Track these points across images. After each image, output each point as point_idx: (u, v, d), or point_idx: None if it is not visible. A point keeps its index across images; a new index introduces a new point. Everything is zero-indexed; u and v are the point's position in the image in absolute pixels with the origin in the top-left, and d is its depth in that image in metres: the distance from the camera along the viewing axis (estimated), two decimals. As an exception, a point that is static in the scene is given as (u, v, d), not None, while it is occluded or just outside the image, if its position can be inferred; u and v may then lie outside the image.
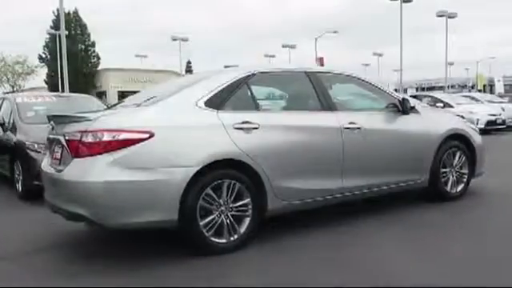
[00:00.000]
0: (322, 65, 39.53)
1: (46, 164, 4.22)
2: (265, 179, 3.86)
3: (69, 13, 41.04)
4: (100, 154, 3.38)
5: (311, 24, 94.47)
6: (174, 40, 41.84)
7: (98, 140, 3.40)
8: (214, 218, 3.67)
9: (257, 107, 4.09)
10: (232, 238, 3.75)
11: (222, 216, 3.71)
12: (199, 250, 3.65)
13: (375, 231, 4.19)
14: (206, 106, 3.79)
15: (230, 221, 3.74)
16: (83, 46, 47.92)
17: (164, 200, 3.46)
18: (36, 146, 6.11)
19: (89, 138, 3.42)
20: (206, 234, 3.63)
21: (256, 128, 3.87)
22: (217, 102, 3.85)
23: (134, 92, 5.54)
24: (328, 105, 4.39)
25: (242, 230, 3.80)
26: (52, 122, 3.96)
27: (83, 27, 48.42)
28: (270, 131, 3.94)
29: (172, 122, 3.62)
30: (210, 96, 3.84)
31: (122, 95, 32.47)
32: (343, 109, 4.52)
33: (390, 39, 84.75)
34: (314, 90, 4.38)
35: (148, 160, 3.44)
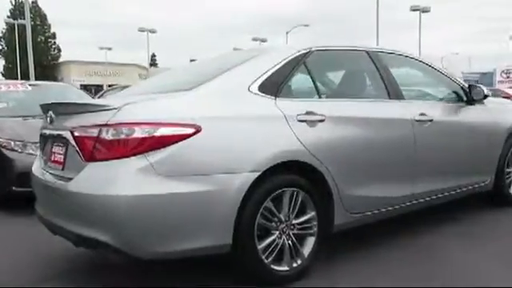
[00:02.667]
0: (294, 59, 39.17)
1: (37, 168, 3.22)
2: (332, 186, 3.00)
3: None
4: (127, 156, 2.42)
5: (282, 18, 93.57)
6: (142, 31, 40.13)
7: (125, 137, 2.44)
8: (274, 240, 2.79)
9: (318, 94, 3.20)
10: (295, 264, 2.87)
11: (283, 236, 2.83)
12: (254, 281, 2.76)
13: (456, 244, 3.41)
14: (260, 91, 2.88)
15: (291, 242, 2.87)
16: (43, 38, 45.76)
17: (215, 218, 2.54)
18: (13, 144, 5.02)
19: (111, 135, 2.46)
20: (266, 260, 2.75)
21: (321, 121, 3.00)
22: (272, 86, 2.94)
23: (98, 86, 4.60)
24: (395, 92, 3.55)
25: (306, 252, 2.93)
26: (50, 113, 2.95)
27: (43, 17, 46.19)
28: (337, 124, 3.07)
29: (222, 113, 2.69)
30: (263, 79, 2.92)
31: (85, 89, 30.99)
32: (409, 97, 3.69)
33: (364, 34, 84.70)
34: (378, 73, 3.54)
35: (194, 164, 2.51)
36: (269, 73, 2.96)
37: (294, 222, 2.87)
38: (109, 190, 2.40)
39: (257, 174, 2.64)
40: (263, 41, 40.38)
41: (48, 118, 2.94)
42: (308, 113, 2.95)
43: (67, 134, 2.70)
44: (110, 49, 48.10)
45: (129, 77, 41.92)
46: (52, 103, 2.98)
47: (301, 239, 2.91)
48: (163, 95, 2.81)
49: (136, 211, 2.38)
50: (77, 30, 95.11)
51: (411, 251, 3.36)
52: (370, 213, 3.28)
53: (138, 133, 2.43)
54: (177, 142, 2.47)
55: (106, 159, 2.47)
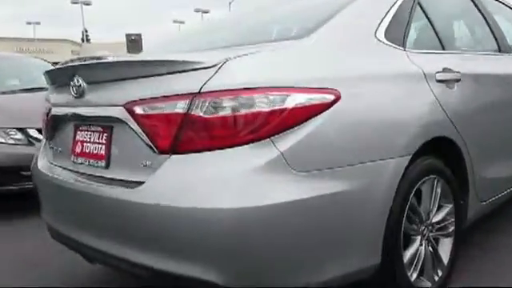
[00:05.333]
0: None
1: (45, 163, 2.22)
2: (469, 168, 2.24)
3: None
4: (241, 143, 1.51)
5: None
6: (75, 3, 37.18)
7: (238, 113, 1.52)
8: (417, 248, 2.00)
9: (442, 45, 2.38)
10: (436, 277, 2.10)
11: (423, 242, 2.05)
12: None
13: None
14: (387, 40, 2.02)
15: (431, 247, 2.09)
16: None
17: (361, 228, 1.69)
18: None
19: (212, 110, 1.52)
20: (410, 277, 1.95)
21: (457, 80, 2.20)
22: (398, 33, 2.07)
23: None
24: (504, 45, 2.82)
25: (446, 260, 2.17)
26: (78, 81, 1.88)
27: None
28: (474, 85, 2.29)
29: (357, 70, 1.79)
30: (387, 23, 2.05)
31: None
32: (512, 50, 2.97)
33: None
34: (485, 22, 2.78)
35: (334, 151, 1.62)
36: (390, 14, 2.09)
37: (433, 220, 2.09)
38: (218, 201, 1.48)
39: (408, 159, 1.81)
40: (205, 12, 38.88)
41: (73, 89, 1.91)
42: (445, 70, 2.14)
43: (118, 112, 1.72)
44: (38, 23, 44.57)
45: (62, 53, 38.98)
46: (82, 64, 1.94)
47: (438, 243, 2.15)
48: (256, 47, 1.84)
49: (268, 229, 1.49)
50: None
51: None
52: (493, 199, 2.55)
53: (261, 104, 1.52)
54: (313, 116, 1.58)
55: (203, 149, 1.54)
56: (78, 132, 2.01)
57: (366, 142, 1.70)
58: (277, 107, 1.52)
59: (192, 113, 1.54)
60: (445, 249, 2.17)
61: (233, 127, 1.51)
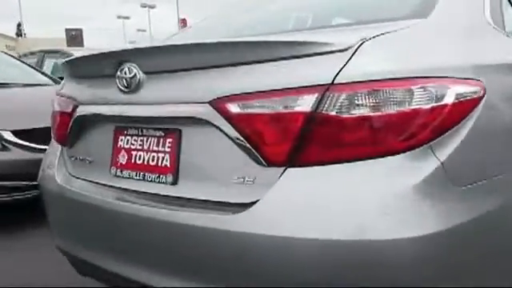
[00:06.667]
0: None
1: (64, 177, 1.74)
2: None
3: None
4: (395, 151, 1.12)
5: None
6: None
7: (387, 112, 1.13)
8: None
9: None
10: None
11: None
12: None
13: None
14: (493, 22, 1.69)
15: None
16: None
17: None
18: None
19: (356, 106, 1.13)
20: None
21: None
22: (497, 15, 1.77)
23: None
24: None
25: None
26: (130, 70, 1.41)
27: None
28: None
29: (491, 57, 1.45)
30: (488, 2, 1.74)
31: None
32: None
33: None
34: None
35: (490, 156, 1.27)
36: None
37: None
38: (372, 231, 1.08)
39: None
40: (151, 7, 37.78)
41: (120, 82, 1.45)
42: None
43: (199, 111, 1.29)
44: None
45: (-4, 48, 36.60)
46: (140, 48, 1.47)
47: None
48: (368, 27, 1.44)
49: (441, 263, 1.12)
50: None
51: None
52: None
53: (420, 100, 1.14)
54: (467, 114, 1.22)
55: (335, 161, 1.14)
56: (121, 137, 1.55)
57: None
58: (438, 103, 1.15)
59: (322, 111, 1.14)
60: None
61: (380, 131, 1.13)
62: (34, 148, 3.31)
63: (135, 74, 1.42)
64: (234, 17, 2.35)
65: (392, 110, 1.13)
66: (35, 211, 3.50)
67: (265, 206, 1.17)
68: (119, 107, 1.52)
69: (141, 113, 1.46)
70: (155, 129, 1.45)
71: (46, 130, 3.35)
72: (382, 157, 1.13)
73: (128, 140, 1.53)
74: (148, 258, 1.43)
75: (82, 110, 1.66)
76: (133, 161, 1.50)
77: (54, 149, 1.89)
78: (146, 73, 1.41)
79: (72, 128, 1.72)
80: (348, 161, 1.14)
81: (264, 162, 1.20)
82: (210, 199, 1.29)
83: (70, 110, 1.72)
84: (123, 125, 1.55)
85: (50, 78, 4.71)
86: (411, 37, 1.29)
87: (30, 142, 3.32)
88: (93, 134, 1.67)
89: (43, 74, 4.82)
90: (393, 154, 1.13)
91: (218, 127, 1.26)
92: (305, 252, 1.12)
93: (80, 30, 43.79)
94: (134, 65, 1.42)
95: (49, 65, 6.90)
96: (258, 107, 1.21)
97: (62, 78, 5.14)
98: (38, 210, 3.44)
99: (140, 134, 1.50)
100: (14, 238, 3.12)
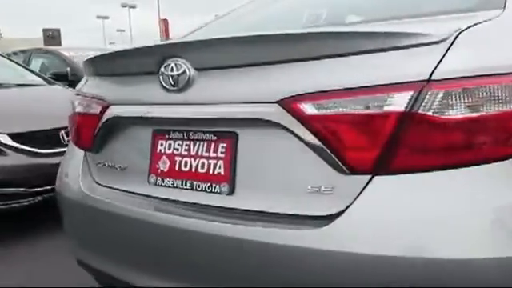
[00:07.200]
0: (167, 28, 36.42)
1: (89, 185, 1.57)
2: None
3: None
4: (503, 157, 0.99)
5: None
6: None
7: (494, 112, 0.98)
8: None
9: None
10: None
11: None
12: None
13: None
14: None
15: None
16: None
17: None
18: None
19: (453, 106, 0.98)
20: None
21: None
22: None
23: None
24: None
25: None
26: (179, 67, 1.24)
27: None
28: None
29: None
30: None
31: None
32: None
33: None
34: None
35: None
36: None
37: None
38: (480, 249, 0.95)
39: None
40: (132, 7, 37.32)
41: (165, 80, 1.28)
42: None
43: (264, 112, 1.13)
44: None
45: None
46: (190, 42, 1.30)
47: None
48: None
49: None
50: None
51: None
52: None
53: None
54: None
55: (432, 168, 1.00)
56: (162, 141, 1.38)
57: None
58: None
59: (419, 111, 1.00)
60: None
61: (486, 134, 1.00)
62: (33, 152, 3.11)
63: (184, 71, 1.25)
64: (271, 8, 2.19)
65: (499, 109, 1.00)
66: (34, 220, 3.29)
67: (352, 218, 1.02)
68: (160, 108, 1.35)
69: (188, 114, 1.30)
70: (205, 132, 1.29)
71: (45, 132, 3.22)
72: (487, 163, 0.99)
73: (170, 144, 1.36)
74: (205, 279, 1.26)
75: (114, 111, 1.48)
76: (177, 168, 1.34)
77: (75, 154, 1.71)
78: (197, 69, 1.25)
79: (100, 131, 1.54)
80: (446, 168, 1.00)
81: (346, 169, 1.05)
82: (279, 212, 1.14)
83: (97, 111, 1.54)
84: (165, 128, 1.38)
85: (43, 77, 4.48)
86: (504, 28, 1.16)
87: (29, 145, 3.12)
88: (125, 138, 1.50)
89: (36, 73, 4.58)
90: (498, 160, 1.00)
91: (288, 129, 1.11)
92: (407, 272, 0.98)
93: (58, 30, 43.00)
94: (182, 60, 1.25)
95: (36, 64, 6.62)
96: (338, 107, 1.06)
97: (52, 78, 4.92)
98: (38, 219, 3.23)
99: (185, 137, 1.33)
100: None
